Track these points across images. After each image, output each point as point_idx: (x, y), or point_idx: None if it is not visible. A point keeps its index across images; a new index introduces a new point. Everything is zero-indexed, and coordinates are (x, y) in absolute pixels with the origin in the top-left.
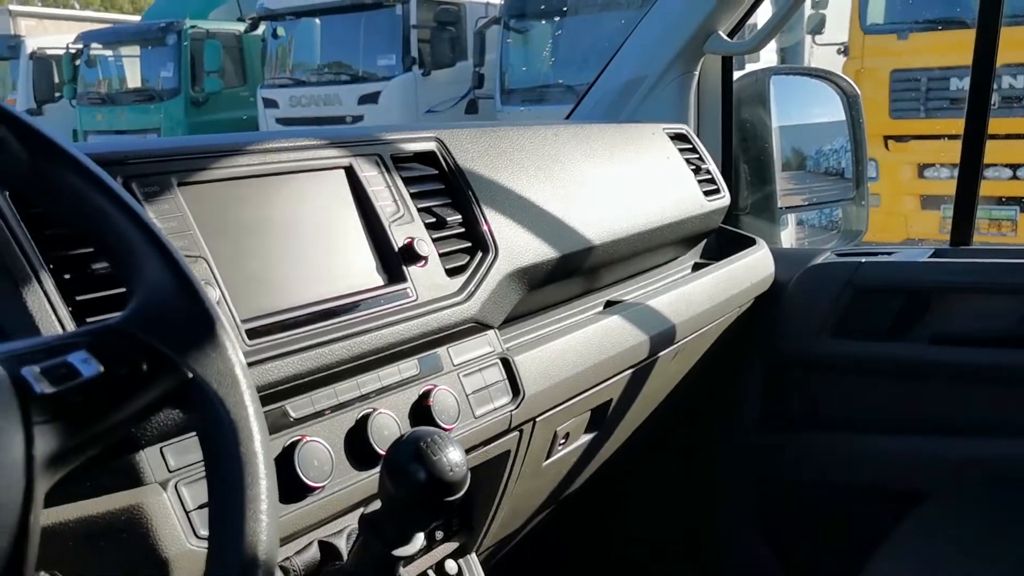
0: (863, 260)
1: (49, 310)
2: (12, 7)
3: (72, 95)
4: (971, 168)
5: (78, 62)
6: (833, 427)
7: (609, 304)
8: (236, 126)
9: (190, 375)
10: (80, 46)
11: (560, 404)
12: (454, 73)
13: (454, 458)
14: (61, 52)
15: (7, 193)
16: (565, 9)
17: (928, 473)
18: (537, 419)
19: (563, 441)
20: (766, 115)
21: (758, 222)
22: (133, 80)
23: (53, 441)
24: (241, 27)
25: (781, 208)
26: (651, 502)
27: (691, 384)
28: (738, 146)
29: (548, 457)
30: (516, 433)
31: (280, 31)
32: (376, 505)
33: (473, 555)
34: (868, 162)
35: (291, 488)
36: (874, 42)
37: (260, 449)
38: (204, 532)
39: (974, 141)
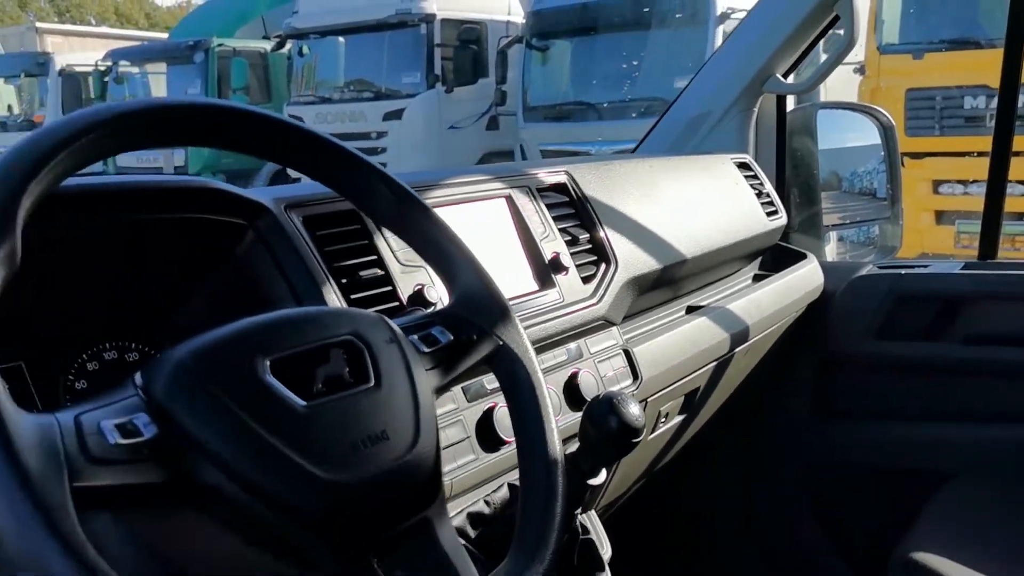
0: (903, 272)
1: (339, 304)
2: (40, 24)
3: None
4: (997, 185)
5: (107, 79)
6: (876, 417)
7: (691, 309)
8: None
9: (500, 343)
10: (109, 63)
11: (665, 388)
12: (476, 90)
13: (636, 411)
14: (89, 69)
15: (301, 220)
16: (586, 29)
17: (961, 456)
18: (648, 399)
19: (663, 420)
20: (813, 144)
21: (806, 238)
22: (158, 95)
23: (434, 381)
24: (267, 45)
25: (826, 226)
26: (713, 483)
27: (754, 378)
28: (789, 172)
29: (652, 432)
30: None
31: (306, 49)
32: (571, 448)
33: (593, 512)
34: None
35: (490, 441)
36: (890, 62)
37: (544, 391)
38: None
39: (1000, 159)
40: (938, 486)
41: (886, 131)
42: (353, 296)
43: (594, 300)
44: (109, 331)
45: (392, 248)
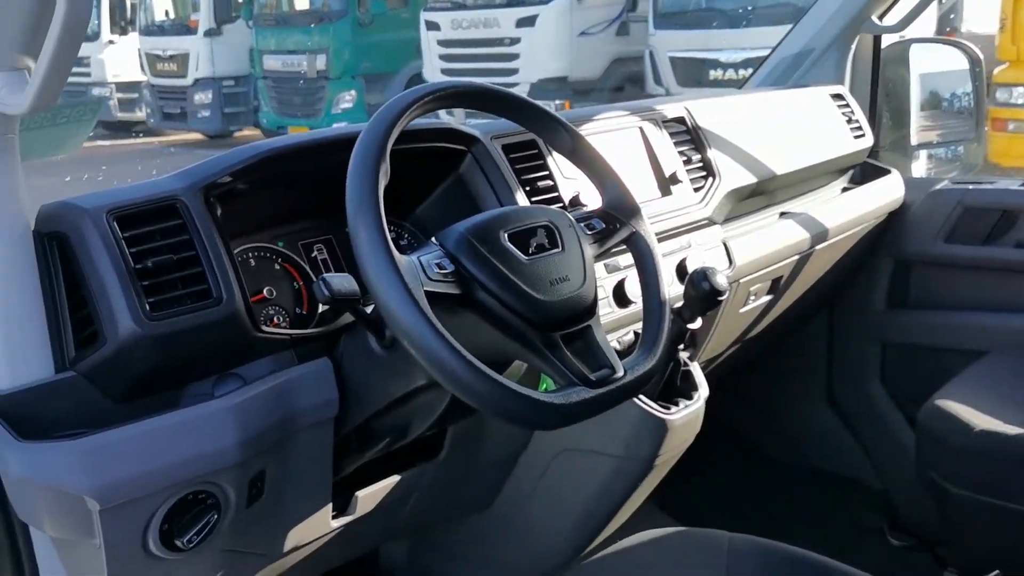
0: (970, 187)
1: (525, 203)
2: None
3: (248, 16)
4: None
5: None
6: (940, 306)
7: (783, 214)
8: (400, 47)
9: (634, 230)
10: None
11: (752, 273)
12: None
13: (722, 280)
14: None
15: (501, 147)
16: None
17: (996, 337)
18: (740, 280)
19: (752, 298)
20: (906, 74)
21: (895, 156)
22: (303, 2)
23: (592, 251)
24: None
25: (915, 145)
26: (797, 357)
27: (836, 272)
28: (882, 99)
29: (743, 307)
30: (729, 287)
31: None
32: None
33: (696, 362)
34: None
35: (622, 300)
36: None
37: (660, 262)
38: None
39: None
40: (976, 359)
41: (973, 63)
42: (533, 199)
43: (701, 205)
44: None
45: (558, 165)
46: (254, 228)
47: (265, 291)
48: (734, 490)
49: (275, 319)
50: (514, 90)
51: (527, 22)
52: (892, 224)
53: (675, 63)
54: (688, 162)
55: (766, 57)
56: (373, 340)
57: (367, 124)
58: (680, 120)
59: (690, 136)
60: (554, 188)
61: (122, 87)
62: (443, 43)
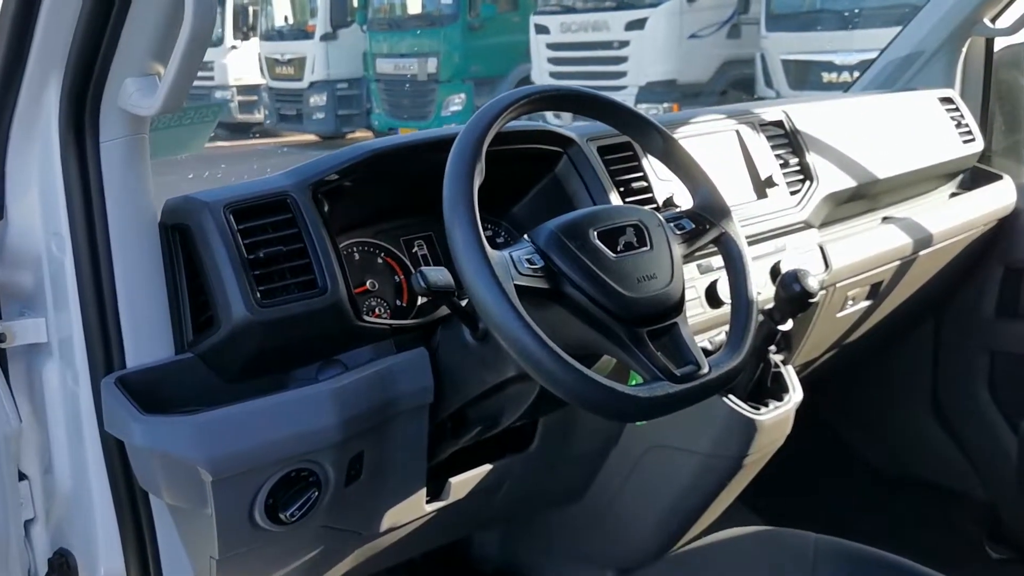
0: None
1: (619, 203)
2: None
3: (363, 21)
4: None
5: None
6: None
7: (885, 219)
8: (509, 50)
9: (724, 231)
10: None
11: (850, 277)
12: None
13: (813, 283)
14: None
15: (596, 148)
16: None
17: None
18: (836, 284)
19: (850, 303)
20: (1020, 79)
21: (1007, 161)
22: (415, 7)
23: (681, 251)
24: None
25: None
26: (901, 364)
27: (944, 279)
28: (994, 103)
29: (840, 311)
30: (824, 291)
31: None
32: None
33: (791, 366)
34: None
35: (714, 301)
36: None
37: (748, 261)
38: None
39: None
40: None
41: None
42: (627, 200)
43: (797, 208)
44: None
45: (653, 167)
46: (359, 223)
47: (368, 283)
48: (829, 495)
49: (376, 310)
50: (623, 93)
51: (637, 25)
52: (1003, 230)
53: (787, 65)
54: (785, 165)
55: (874, 60)
56: (467, 332)
57: (464, 126)
58: (778, 124)
59: (788, 140)
60: (648, 189)
61: (243, 90)
62: (552, 46)
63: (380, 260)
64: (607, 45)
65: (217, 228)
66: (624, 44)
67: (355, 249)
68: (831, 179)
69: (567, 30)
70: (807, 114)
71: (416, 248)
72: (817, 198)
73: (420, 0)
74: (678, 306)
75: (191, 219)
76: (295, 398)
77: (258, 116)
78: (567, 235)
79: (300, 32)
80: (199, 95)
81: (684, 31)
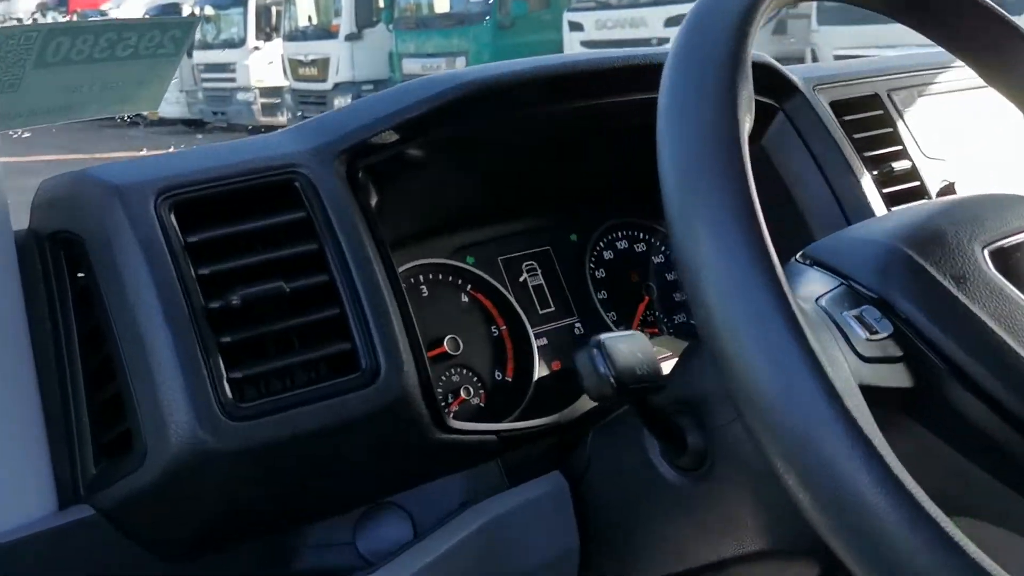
0: None
1: None
2: None
3: (389, 20)
4: None
5: None
6: None
7: None
8: (540, 49)
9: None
10: None
11: None
12: None
13: None
14: None
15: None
16: None
17: None
18: None
19: None
20: None
21: None
22: (443, 5)
23: None
24: None
25: None
26: None
27: None
28: None
29: None
30: None
31: None
32: None
33: None
34: None
35: None
36: None
37: None
38: None
39: None
40: None
41: None
42: (886, 190)
43: None
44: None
45: (915, 138)
46: (426, 232)
47: (446, 342)
48: None
49: (462, 393)
50: None
51: (676, 21)
52: None
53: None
54: None
55: None
56: (657, 449)
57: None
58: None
59: None
60: (913, 173)
61: (265, 92)
62: (586, 44)
63: (466, 298)
64: (645, 43)
65: (141, 242)
66: (663, 41)
67: (420, 279)
68: None
69: (602, 27)
70: None
71: (525, 275)
72: None
73: None
74: None
75: (88, 220)
76: None
77: (281, 119)
78: (934, 261)
79: (324, 32)
80: (220, 97)
81: None
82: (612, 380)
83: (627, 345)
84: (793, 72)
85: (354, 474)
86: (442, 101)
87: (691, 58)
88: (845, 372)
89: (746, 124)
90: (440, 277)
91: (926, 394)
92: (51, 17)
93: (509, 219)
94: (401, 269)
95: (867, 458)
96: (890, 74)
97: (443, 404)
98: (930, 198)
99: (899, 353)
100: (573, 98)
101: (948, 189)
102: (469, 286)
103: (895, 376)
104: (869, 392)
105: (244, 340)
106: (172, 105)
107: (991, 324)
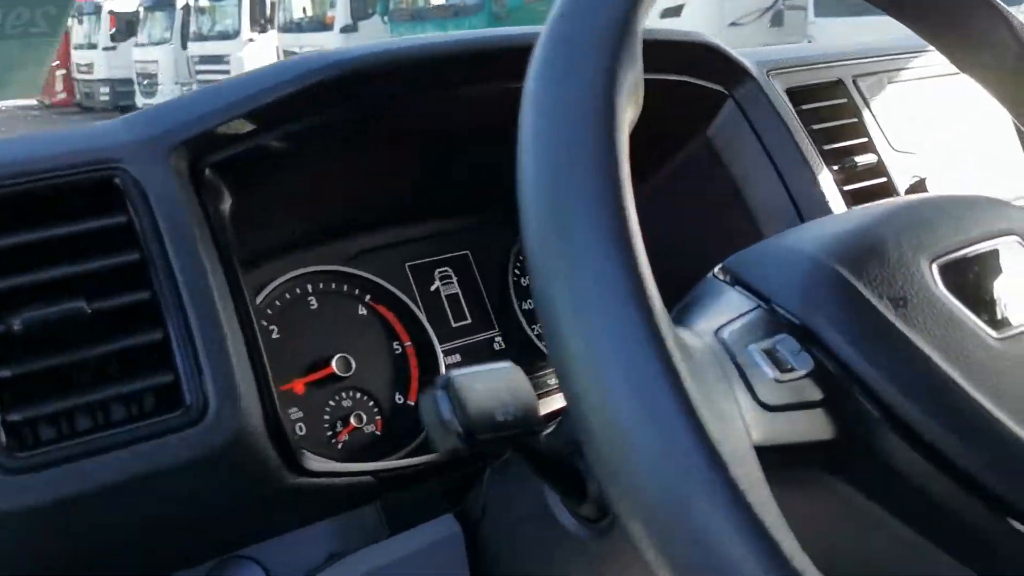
0: None
1: None
2: None
3: (384, 12)
4: None
5: None
6: None
7: None
8: None
9: None
10: None
11: None
12: None
13: None
14: None
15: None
16: None
17: None
18: None
19: None
20: None
21: None
22: None
23: None
24: None
25: None
26: None
27: None
28: None
29: None
30: None
31: None
32: None
33: None
34: None
35: None
36: None
37: None
38: None
39: None
40: None
41: None
42: (847, 187)
43: None
44: None
45: (883, 129)
46: (315, 236)
47: (335, 362)
48: None
49: (352, 420)
50: None
51: (672, 12)
52: None
53: None
54: None
55: None
56: (555, 499)
57: None
58: None
59: None
60: (880, 168)
61: None
62: None
63: (363, 310)
64: None
65: None
66: None
67: (308, 289)
68: None
69: None
70: None
71: (437, 283)
72: None
73: None
74: None
75: None
76: None
77: None
78: (867, 280)
79: (319, 24)
80: None
81: (724, 19)
82: (459, 430)
83: (487, 384)
84: (745, 56)
85: (189, 527)
86: (301, 85)
87: (566, 26)
88: (737, 431)
89: (627, 114)
90: (333, 287)
91: (851, 446)
92: None
93: (419, 221)
94: (284, 279)
95: (758, 551)
96: (856, 58)
97: (329, 434)
98: (896, 192)
99: (818, 396)
100: (460, 84)
101: (919, 186)
102: (368, 296)
103: (811, 426)
104: (772, 452)
105: (28, 374)
106: (167, 98)
107: (935, 356)
